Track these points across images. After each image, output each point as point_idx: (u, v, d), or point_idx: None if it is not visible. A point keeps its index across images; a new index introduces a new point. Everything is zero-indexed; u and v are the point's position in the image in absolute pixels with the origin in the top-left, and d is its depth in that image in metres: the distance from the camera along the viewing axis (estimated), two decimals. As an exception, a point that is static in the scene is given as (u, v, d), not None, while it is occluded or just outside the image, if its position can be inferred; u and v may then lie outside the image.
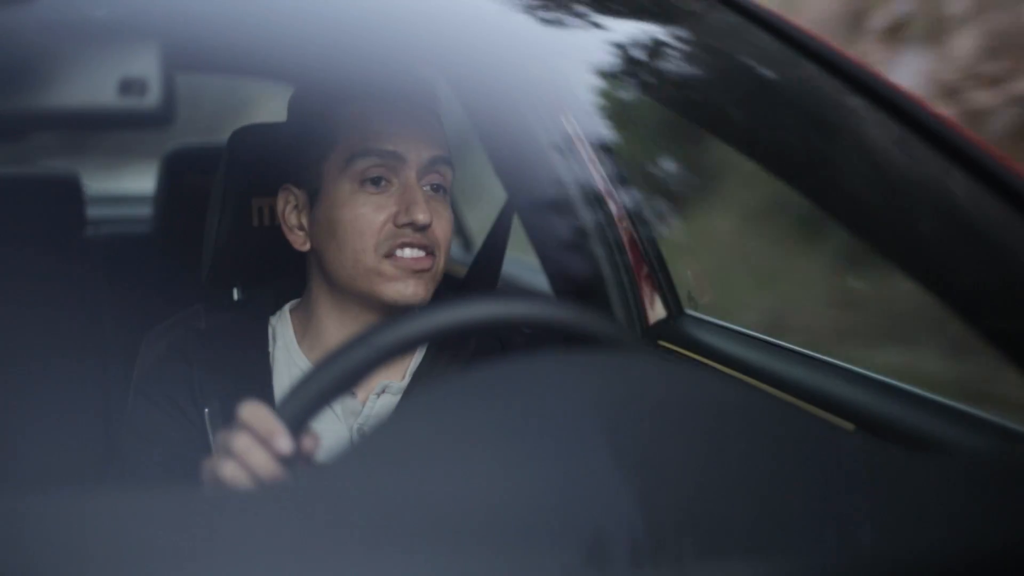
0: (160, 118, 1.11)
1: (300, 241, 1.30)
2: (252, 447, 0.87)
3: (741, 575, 0.64)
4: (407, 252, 1.23)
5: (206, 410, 1.24)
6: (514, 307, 0.91)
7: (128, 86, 1.04)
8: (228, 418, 1.19)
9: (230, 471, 0.87)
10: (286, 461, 0.86)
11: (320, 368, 0.86)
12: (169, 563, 0.60)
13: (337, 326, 1.29)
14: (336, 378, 0.86)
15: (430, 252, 1.24)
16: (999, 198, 1.01)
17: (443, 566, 0.62)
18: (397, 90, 1.29)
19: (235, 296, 1.48)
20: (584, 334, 0.91)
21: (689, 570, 0.63)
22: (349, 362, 0.86)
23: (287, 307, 1.36)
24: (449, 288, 1.34)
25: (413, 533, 0.63)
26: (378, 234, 1.23)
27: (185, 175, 1.95)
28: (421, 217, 1.21)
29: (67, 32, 1.15)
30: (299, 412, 0.86)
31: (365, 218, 1.23)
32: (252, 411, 0.88)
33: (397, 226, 1.22)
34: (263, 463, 0.86)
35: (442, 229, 1.25)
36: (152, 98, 1.04)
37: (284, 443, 0.85)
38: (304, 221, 1.29)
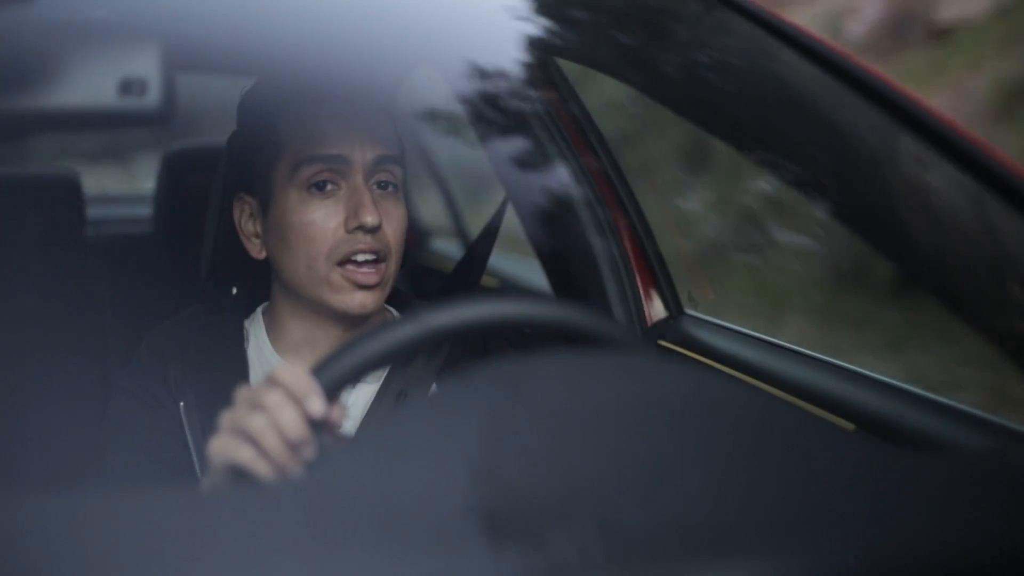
0: (160, 118, 1.12)
1: (256, 249, 1.30)
2: (284, 404, 0.86)
3: (740, 575, 0.64)
4: (359, 258, 1.23)
5: (181, 404, 1.24)
6: (548, 308, 0.91)
7: (128, 86, 1.04)
8: (204, 413, 1.19)
9: (258, 425, 0.86)
10: (314, 425, 0.85)
11: (361, 340, 0.86)
12: (162, 561, 0.60)
13: (300, 329, 1.31)
14: (377, 351, 0.86)
15: (381, 258, 1.24)
16: (999, 197, 1.01)
17: (441, 566, 0.62)
18: (340, 90, 1.29)
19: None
20: (584, 334, 0.91)
21: (687, 570, 0.63)
22: (392, 338, 0.86)
23: (260, 308, 1.37)
24: (437, 283, 1.34)
25: (411, 532, 0.63)
26: (329, 241, 1.23)
27: (185, 175, 1.95)
28: (370, 219, 1.21)
29: (67, 32, 1.15)
30: (332, 380, 0.86)
31: (315, 225, 1.23)
32: (288, 371, 0.87)
33: (348, 231, 1.22)
34: (293, 422, 0.85)
35: (393, 229, 1.25)
36: (152, 98, 1.04)
37: (317, 404, 0.85)
38: (259, 229, 1.29)
